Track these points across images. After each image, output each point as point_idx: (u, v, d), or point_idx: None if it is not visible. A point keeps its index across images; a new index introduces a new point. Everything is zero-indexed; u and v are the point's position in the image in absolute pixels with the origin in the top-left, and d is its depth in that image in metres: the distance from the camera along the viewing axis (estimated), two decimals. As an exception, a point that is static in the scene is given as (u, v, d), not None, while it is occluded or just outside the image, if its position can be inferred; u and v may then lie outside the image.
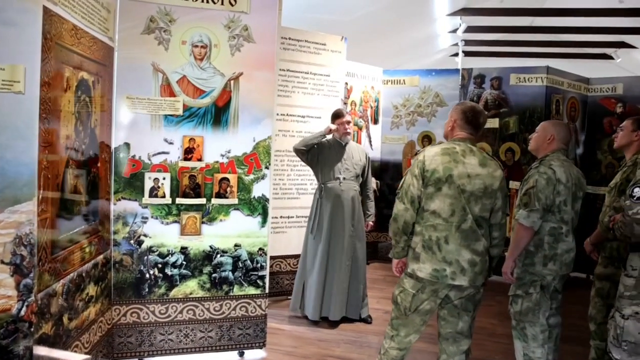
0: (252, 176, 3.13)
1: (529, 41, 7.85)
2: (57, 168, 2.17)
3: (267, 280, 3.22)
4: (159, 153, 2.96)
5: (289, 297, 4.37)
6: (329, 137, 3.92)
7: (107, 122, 2.76)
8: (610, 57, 8.08)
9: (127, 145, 2.89)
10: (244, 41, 3.03)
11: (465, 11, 6.42)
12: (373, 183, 4.73)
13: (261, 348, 3.29)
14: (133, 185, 2.92)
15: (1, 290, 1.90)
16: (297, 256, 4.43)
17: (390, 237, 2.59)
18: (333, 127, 3.85)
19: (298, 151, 3.84)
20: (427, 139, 5.87)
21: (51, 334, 2.15)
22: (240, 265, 3.14)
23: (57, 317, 2.21)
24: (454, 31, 7.09)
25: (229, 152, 3.07)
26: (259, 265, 3.18)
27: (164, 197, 2.97)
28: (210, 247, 3.08)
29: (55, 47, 2.08)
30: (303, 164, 4.16)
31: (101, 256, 2.74)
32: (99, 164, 2.67)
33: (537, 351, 2.70)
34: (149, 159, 2.94)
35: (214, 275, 3.10)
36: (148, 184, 2.94)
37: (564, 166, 2.68)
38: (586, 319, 3.06)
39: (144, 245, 2.97)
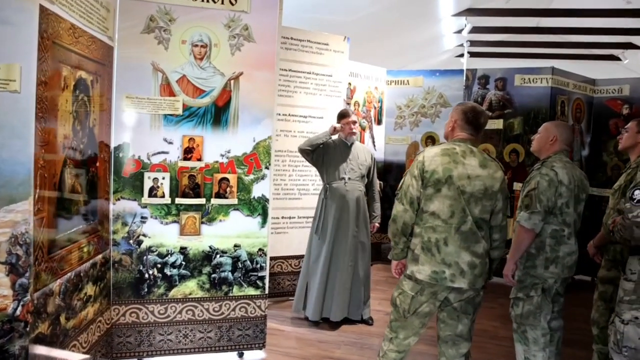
0: (252, 176, 3.11)
1: (535, 42, 7.78)
2: (54, 167, 2.16)
3: (266, 281, 3.21)
4: (158, 153, 2.95)
5: (290, 298, 4.36)
6: (335, 137, 3.90)
7: (107, 122, 2.75)
8: (618, 59, 8.00)
9: (127, 144, 2.88)
10: (244, 41, 3.02)
11: (470, 11, 6.37)
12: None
13: (261, 349, 3.27)
14: (132, 185, 2.91)
15: (-4, 290, 1.90)
16: (298, 257, 4.42)
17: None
18: (338, 126, 3.83)
19: (303, 151, 3.82)
20: (430, 140, 5.84)
21: (48, 334, 2.14)
22: (240, 265, 3.13)
23: (54, 317, 2.20)
24: (459, 32, 7.04)
25: (228, 152, 3.06)
26: (258, 265, 3.16)
27: (163, 197, 2.96)
28: (210, 247, 3.07)
29: (53, 46, 2.07)
30: (305, 164, 4.14)
31: (100, 256, 2.73)
32: (97, 164, 2.66)
33: (538, 355, 2.67)
34: (149, 159, 2.93)
35: (213, 275, 3.09)
36: (147, 184, 2.93)
37: (567, 168, 2.65)
38: (590, 322, 3.02)
39: (143, 245, 2.96)
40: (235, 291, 3.14)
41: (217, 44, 2.98)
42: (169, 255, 3.01)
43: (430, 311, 2.42)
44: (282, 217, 4.41)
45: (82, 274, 2.50)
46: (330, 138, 3.85)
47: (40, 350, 2.08)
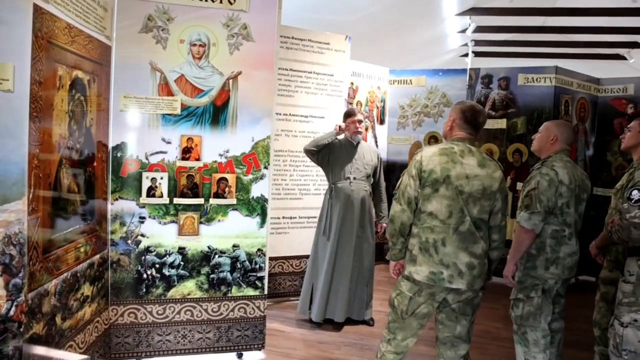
0: (250, 176, 3.10)
1: (540, 41, 7.74)
2: (50, 167, 2.15)
3: (266, 281, 3.19)
4: (156, 152, 2.94)
5: (291, 299, 4.34)
6: (341, 137, 3.88)
7: (104, 122, 2.75)
8: (623, 58, 7.93)
9: (125, 144, 2.88)
10: (243, 40, 3.01)
11: (474, 11, 6.34)
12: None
13: (260, 350, 3.26)
14: (130, 184, 2.90)
15: (-10, 290, 1.89)
16: (299, 257, 4.40)
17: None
18: (342, 125, 3.81)
19: (308, 152, 3.79)
20: (433, 140, 5.81)
21: (43, 334, 2.13)
22: (239, 266, 3.12)
23: (50, 317, 2.20)
24: (463, 31, 7.01)
25: (227, 151, 3.04)
26: (257, 266, 3.15)
27: (161, 196, 2.95)
28: (208, 247, 3.06)
29: (48, 46, 2.07)
30: (306, 164, 4.12)
31: (97, 256, 2.73)
32: (95, 163, 2.65)
33: (538, 356, 2.64)
34: (147, 159, 2.92)
35: (212, 276, 3.08)
36: (145, 184, 2.92)
37: (567, 167, 2.61)
38: (592, 323, 2.99)
39: (142, 245, 2.95)
40: (234, 291, 3.13)
41: (216, 43, 2.97)
42: (168, 256, 3.00)
43: (428, 312, 2.39)
44: (283, 217, 4.38)
45: (79, 274, 2.49)
46: (336, 138, 3.82)
47: (35, 350, 2.07)
